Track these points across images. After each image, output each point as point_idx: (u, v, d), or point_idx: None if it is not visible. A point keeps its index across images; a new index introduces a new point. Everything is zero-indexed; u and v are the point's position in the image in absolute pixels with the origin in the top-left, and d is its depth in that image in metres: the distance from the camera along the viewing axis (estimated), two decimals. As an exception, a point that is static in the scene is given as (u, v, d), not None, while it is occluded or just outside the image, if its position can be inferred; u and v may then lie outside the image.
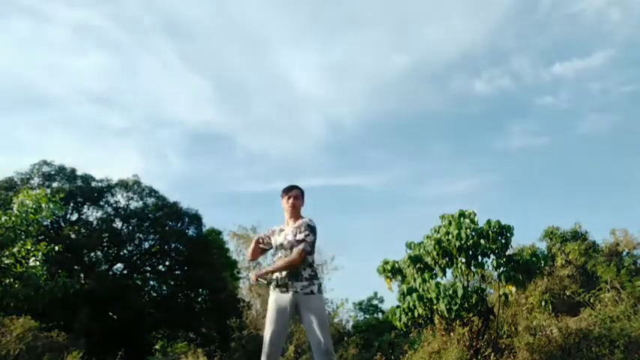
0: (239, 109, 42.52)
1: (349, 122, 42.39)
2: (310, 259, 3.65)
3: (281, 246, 3.68)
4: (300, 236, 3.60)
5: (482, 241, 6.67)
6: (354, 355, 18.33)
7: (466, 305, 6.48)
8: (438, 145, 41.44)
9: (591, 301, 8.01)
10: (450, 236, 6.70)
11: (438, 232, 7.02)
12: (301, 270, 3.58)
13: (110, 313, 17.39)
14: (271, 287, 3.66)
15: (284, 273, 3.58)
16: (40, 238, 10.60)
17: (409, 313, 6.88)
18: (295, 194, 3.77)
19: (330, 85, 41.39)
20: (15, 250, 9.04)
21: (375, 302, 27.76)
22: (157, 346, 20.13)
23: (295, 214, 3.76)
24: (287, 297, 3.54)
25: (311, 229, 3.63)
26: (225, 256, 22.06)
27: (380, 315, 26.02)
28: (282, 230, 3.76)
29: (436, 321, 7.06)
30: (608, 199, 33.85)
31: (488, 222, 6.79)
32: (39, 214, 9.37)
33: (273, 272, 3.61)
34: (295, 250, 3.56)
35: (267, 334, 3.50)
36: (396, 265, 7.54)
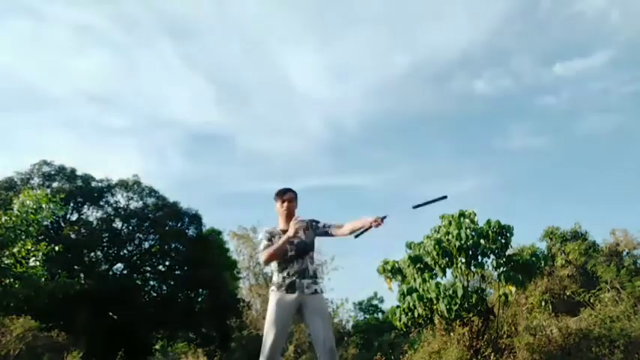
0: (239, 109, 42.58)
1: (349, 122, 42.45)
2: (313, 256, 3.72)
3: (292, 244, 3.64)
4: (321, 224, 3.74)
5: (482, 241, 6.67)
6: (354, 355, 18.35)
7: (466, 305, 6.48)
8: (439, 145, 41.51)
9: (591, 301, 8.01)
10: (450, 236, 6.69)
11: (438, 232, 7.02)
12: (309, 265, 3.62)
13: (110, 313, 17.39)
14: (274, 287, 3.61)
15: (293, 271, 3.58)
16: (40, 238, 10.58)
17: (409, 313, 6.88)
18: (290, 197, 3.75)
19: (330, 85, 41.43)
20: (15, 250, 9.03)
21: (375, 302, 27.81)
22: (157, 346, 20.15)
23: (290, 217, 3.73)
24: (292, 298, 3.52)
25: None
26: (225, 256, 22.05)
27: (380, 315, 26.08)
28: (284, 231, 3.70)
29: (436, 321, 7.06)
30: (608, 199, 33.89)
31: (488, 222, 6.78)
32: (39, 215, 9.36)
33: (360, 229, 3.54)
34: (342, 226, 3.68)
35: (269, 336, 3.43)
36: (396, 265, 7.54)
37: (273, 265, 3.68)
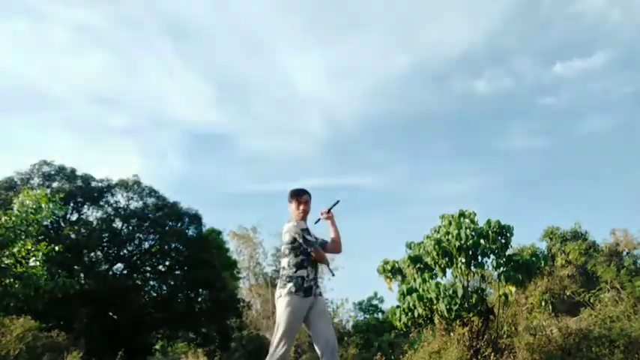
0: (239, 109, 42.62)
1: (349, 122, 42.48)
2: None
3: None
4: (320, 239, 3.88)
5: (482, 241, 6.66)
6: (354, 355, 18.35)
7: (466, 305, 6.48)
8: (439, 145, 41.54)
9: (591, 301, 8.00)
10: (450, 236, 6.69)
11: (438, 232, 7.02)
12: (319, 274, 3.74)
13: (110, 313, 17.39)
14: (290, 288, 3.50)
15: (313, 275, 3.61)
16: (40, 238, 10.57)
17: (409, 313, 6.88)
18: (305, 200, 3.76)
19: (330, 85, 41.45)
20: (15, 250, 9.03)
21: (375, 302, 27.78)
22: (157, 346, 20.16)
23: (305, 219, 3.77)
24: (307, 303, 3.52)
25: None
26: (225, 256, 22.07)
27: (380, 315, 26.06)
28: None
29: (436, 321, 7.05)
30: (608, 199, 33.91)
31: (488, 222, 6.78)
32: (39, 214, 9.36)
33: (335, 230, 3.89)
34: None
35: (284, 341, 3.39)
36: (396, 265, 7.54)
37: (295, 261, 3.58)
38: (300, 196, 3.75)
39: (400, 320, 6.97)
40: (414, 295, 6.80)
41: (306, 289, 3.52)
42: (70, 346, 11.34)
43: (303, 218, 3.74)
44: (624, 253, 13.27)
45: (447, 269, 6.91)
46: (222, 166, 43.96)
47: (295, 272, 3.56)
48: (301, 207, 3.72)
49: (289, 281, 3.53)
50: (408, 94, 40.46)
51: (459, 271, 6.74)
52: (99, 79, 39.72)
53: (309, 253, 3.60)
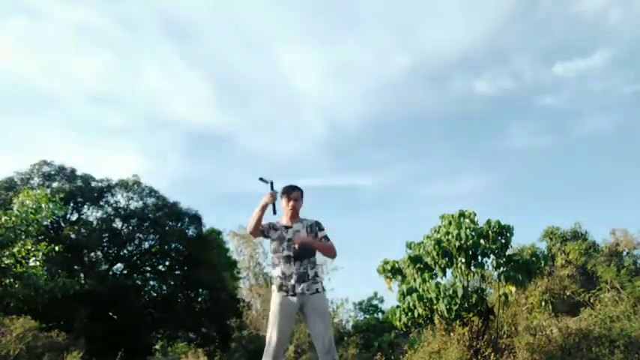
0: (239, 109, 42.61)
1: (349, 122, 42.48)
2: (315, 258, 3.71)
3: (290, 242, 3.64)
4: (321, 234, 3.76)
5: (482, 241, 6.67)
6: (354, 355, 18.34)
7: (466, 305, 6.48)
8: (439, 145, 41.51)
9: (591, 301, 8.01)
10: (450, 236, 6.69)
11: (438, 232, 7.02)
12: (309, 270, 3.61)
13: (110, 313, 17.38)
14: (275, 289, 3.62)
15: (290, 272, 3.56)
16: (40, 238, 10.58)
17: (409, 313, 6.88)
18: (296, 196, 3.76)
19: (330, 85, 41.44)
20: (15, 250, 9.03)
21: (375, 302, 27.75)
22: (157, 346, 20.15)
23: (295, 215, 3.75)
24: (294, 300, 3.52)
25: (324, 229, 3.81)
26: (225, 256, 22.06)
27: (380, 315, 26.03)
28: (287, 227, 3.71)
29: (436, 321, 7.05)
30: (608, 199, 33.88)
31: (488, 222, 6.78)
32: (39, 214, 9.36)
33: (314, 247, 3.65)
34: (331, 245, 3.72)
35: (273, 337, 3.44)
36: (396, 265, 7.54)
37: (272, 259, 3.69)
38: (290, 192, 3.75)
39: (400, 320, 6.97)
40: (414, 295, 6.80)
41: (289, 288, 3.53)
42: (70, 346, 11.33)
43: (293, 215, 3.73)
44: (624, 253, 13.26)
45: (447, 269, 6.91)
46: (222, 165, 43.95)
47: (274, 271, 3.67)
48: (291, 203, 3.72)
49: (274, 281, 3.66)
50: (407, 94, 40.48)
51: (459, 271, 6.74)
52: (99, 79, 39.73)
53: (283, 252, 3.61)
